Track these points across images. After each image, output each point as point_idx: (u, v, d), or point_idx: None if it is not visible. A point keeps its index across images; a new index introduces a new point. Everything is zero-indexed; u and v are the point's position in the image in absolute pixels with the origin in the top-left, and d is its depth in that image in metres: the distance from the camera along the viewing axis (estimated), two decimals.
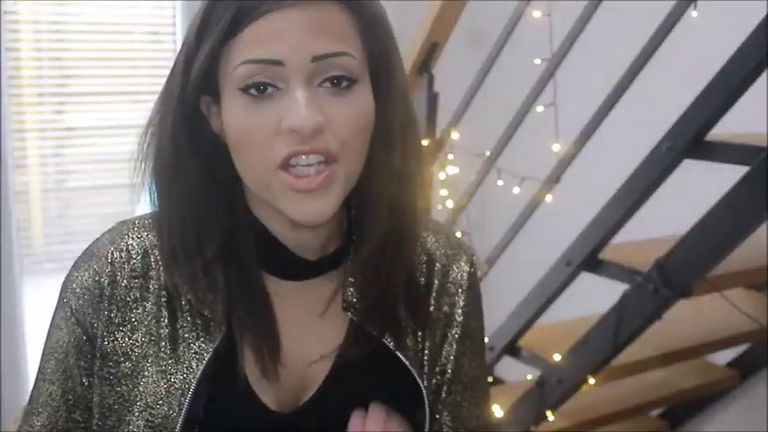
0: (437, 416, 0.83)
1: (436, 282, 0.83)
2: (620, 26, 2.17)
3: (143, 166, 0.73)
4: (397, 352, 0.78)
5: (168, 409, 0.74)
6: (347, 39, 0.67)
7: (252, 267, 0.75)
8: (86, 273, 0.77)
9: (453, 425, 0.83)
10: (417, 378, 0.79)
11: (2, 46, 2.62)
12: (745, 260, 1.67)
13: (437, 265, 0.83)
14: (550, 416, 1.82)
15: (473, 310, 0.85)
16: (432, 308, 0.82)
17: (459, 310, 0.83)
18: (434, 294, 0.83)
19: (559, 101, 1.85)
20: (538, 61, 1.86)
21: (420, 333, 0.81)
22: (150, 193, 0.74)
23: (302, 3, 0.65)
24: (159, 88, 0.74)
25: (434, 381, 0.82)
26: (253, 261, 0.75)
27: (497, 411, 1.90)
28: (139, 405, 0.74)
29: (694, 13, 1.51)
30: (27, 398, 0.80)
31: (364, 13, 0.69)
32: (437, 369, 0.83)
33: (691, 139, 1.45)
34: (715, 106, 1.40)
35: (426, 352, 0.81)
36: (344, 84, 0.67)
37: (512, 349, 1.96)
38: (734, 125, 1.53)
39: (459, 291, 0.84)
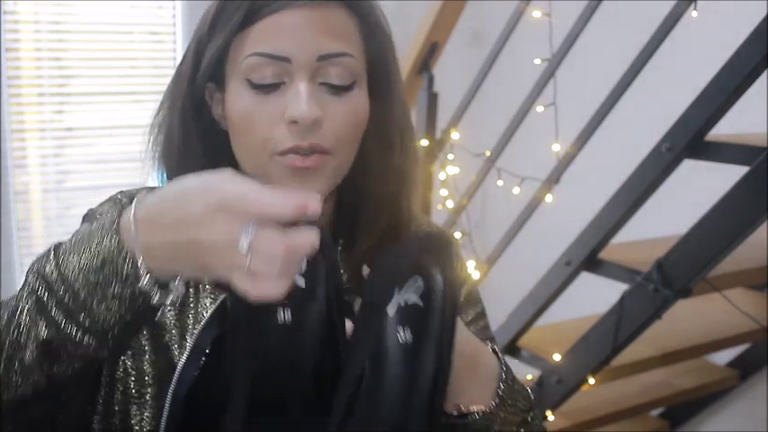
0: None
1: None
2: (620, 26, 2.17)
3: (153, 152, 0.77)
4: None
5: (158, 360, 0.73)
6: (351, 41, 0.71)
7: None
8: None
9: None
10: None
11: (2, 46, 2.62)
12: (745, 260, 1.67)
13: None
14: (550, 416, 1.82)
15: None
16: None
17: None
18: None
19: (559, 101, 1.84)
20: (538, 61, 1.86)
21: None
22: (160, 177, 0.78)
23: (312, 2, 0.69)
24: (159, 88, 0.76)
25: None
26: None
27: None
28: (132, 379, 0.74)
29: (694, 13, 1.51)
30: None
31: (368, 18, 0.73)
32: None
33: (691, 139, 1.45)
34: (715, 106, 1.40)
35: None
36: (343, 86, 0.71)
37: (512, 349, 1.96)
38: (734, 125, 1.53)
39: None
